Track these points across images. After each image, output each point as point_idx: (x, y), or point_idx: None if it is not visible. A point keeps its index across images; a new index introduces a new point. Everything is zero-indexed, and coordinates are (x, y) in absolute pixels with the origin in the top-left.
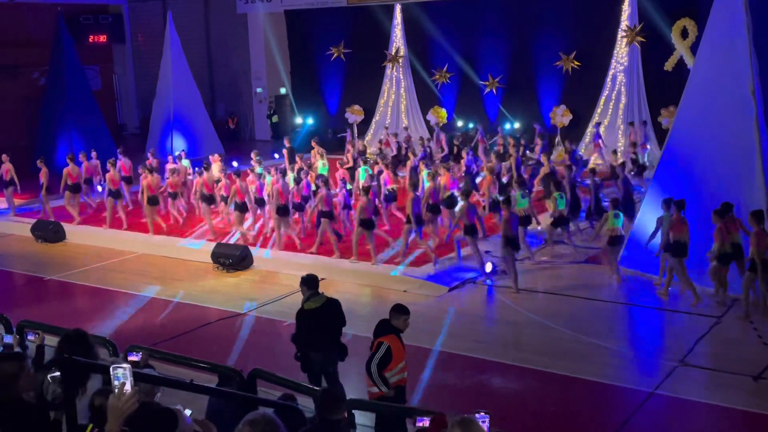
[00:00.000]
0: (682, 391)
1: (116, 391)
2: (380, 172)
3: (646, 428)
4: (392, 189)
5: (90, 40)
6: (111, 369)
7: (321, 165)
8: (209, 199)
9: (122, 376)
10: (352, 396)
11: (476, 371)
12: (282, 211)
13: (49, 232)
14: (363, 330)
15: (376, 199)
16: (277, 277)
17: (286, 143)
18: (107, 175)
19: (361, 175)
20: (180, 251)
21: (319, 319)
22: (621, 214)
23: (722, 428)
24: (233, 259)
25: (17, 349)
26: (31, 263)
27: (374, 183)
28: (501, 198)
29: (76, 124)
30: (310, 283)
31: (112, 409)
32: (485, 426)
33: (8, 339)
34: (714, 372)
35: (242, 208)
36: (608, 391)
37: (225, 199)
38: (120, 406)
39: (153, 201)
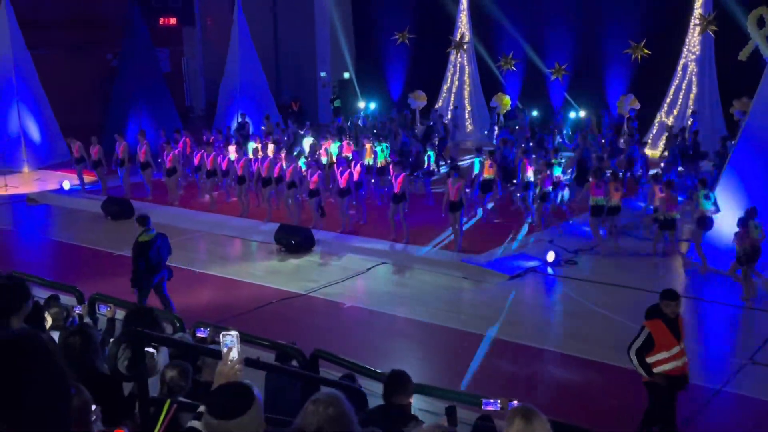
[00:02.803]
0: (751, 390)
1: (224, 356)
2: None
3: (712, 426)
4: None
5: (160, 22)
6: (221, 336)
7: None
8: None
9: (230, 342)
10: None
11: (536, 361)
12: (265, 183)
13: (118, 208)
14: (421, 315)
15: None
16: (338, 259)
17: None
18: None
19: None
20: (243, 231)
21: (152, 248)
22: (712, 195)
23: None
24: (296, 240)
25: (87, 320)
26: (102, 239)
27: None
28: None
29: (146, 106)
30: (142, 221)
31: (219, 374)
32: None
33: (78, 309)
34: None
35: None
36: None
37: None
38: (227, 372)
39: (171, 172)
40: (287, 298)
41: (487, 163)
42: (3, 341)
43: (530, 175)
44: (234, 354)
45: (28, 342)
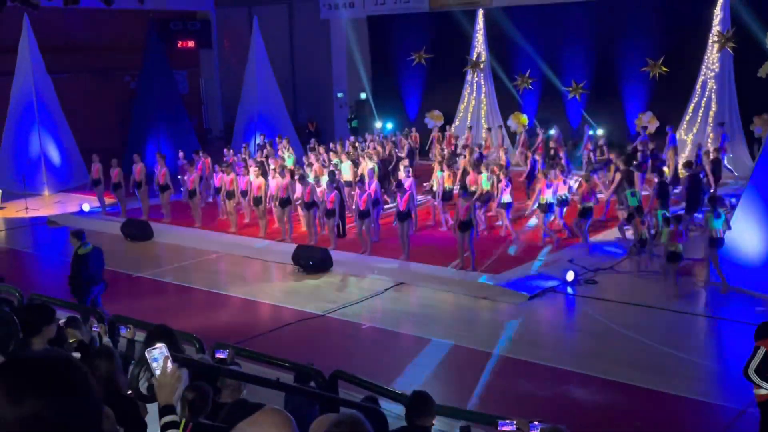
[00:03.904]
0: None
1: (159, 370)
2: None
3: None
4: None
5: (179, 45)
6: (146, 353)
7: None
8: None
9: (159, 355)
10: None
11: (557, 381)
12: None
13: (137, 230)
14: (441, 335)
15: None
16: (355, 280)
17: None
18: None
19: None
20: (261, 252)
21: (90, 260)
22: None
23: None
24: (313, 261)
25: (106, 339)
26: (121, 261)
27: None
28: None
29: (164, 127)
30: (78, 235)
31: (161, 386)
32: None
33: (96, 328)
34: None
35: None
36: (696, 408)
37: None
38: (169, 381)
39: (193, 194)
40: (305, 319)
41: (446, 174)
42: (37, 360)
43: (474, 188)
44: (169, 364)
45: (65, 362)
